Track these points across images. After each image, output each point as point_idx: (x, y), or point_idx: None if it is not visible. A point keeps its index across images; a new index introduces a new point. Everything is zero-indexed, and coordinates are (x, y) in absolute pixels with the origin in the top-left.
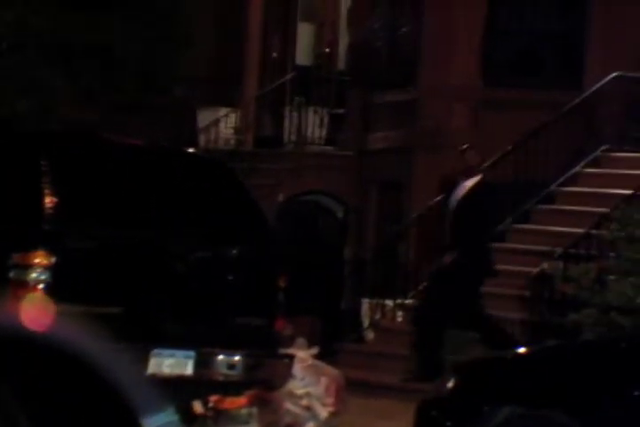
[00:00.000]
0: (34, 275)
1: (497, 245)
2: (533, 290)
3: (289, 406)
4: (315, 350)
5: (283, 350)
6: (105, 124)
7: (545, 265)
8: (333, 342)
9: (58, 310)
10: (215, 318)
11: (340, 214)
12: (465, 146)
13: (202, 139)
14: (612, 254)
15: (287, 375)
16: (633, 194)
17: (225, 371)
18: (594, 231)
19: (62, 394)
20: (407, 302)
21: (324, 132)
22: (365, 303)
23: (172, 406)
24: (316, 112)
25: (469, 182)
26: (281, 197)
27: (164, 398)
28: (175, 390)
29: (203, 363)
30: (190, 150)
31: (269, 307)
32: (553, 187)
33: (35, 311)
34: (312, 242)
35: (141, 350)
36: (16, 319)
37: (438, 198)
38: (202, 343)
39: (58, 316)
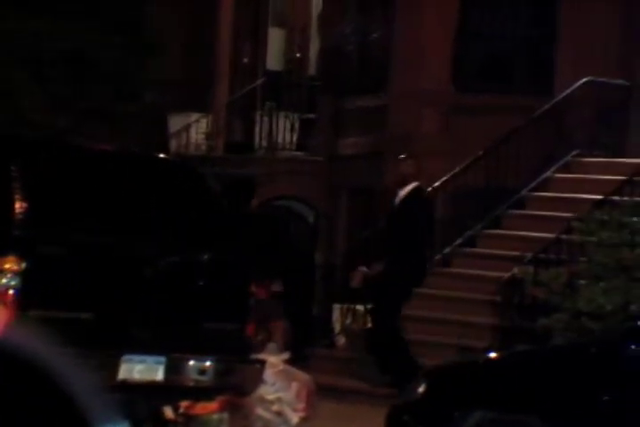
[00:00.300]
0: (4, 280)
1: (468, 250)
2: (504, 295)
3: (260, 411)
4: (286, 356)
5: (254, 356)
6: (75, 130)
7: (515, 270)
8: (305, 348)
9: (13, 316)
10: (186, 324)
11: (311, 220)
12: (403, 155)
13: (173, 144)
14: (582, 259)
15: (258, 381)
16: (603, 199)
17: (196, 376)
18: (564, 236)
19: (13, 399)
20: None
21: (294, 138)
22: (336, 309)
23: (126, 419)
24: (286, 117)
25: (403, 192)
26: (252, 203)
27: (119, 409)
28: (146, 396)
29: (173, 368)
30: (161, 155)
31: (240, 313)
32: (524, 192)
33: None
34: (284, 247)
35: (112, 355)
36: None
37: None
38: (172, 349)
39: (11, 321)
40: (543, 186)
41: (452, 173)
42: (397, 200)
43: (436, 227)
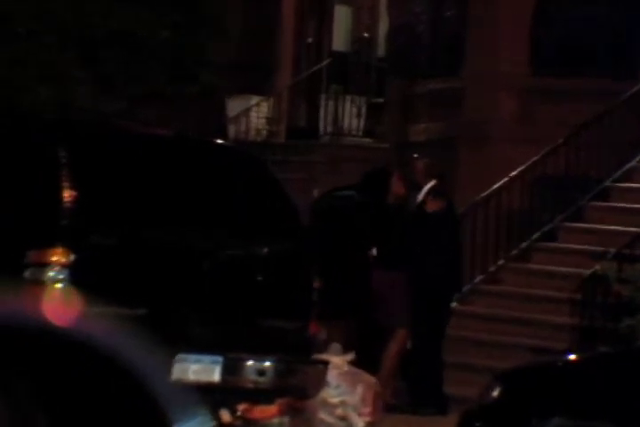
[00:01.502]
0: (51, 274)
1: (547, 244)
2: (585, 293)
3: (323, 415)
4: (350, 356)
5: (317, 356)
6: (130, 115)
7: (598, 266)
8: (372, 348)
9: (85, 307)
10: (244, 321)
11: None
12: (416, 155)
13: (231, 129)
14: None
15: (321, 383)
16: None
17: (254, 378)
18: None
19: (87, 393)
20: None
21: (361, 123)
22: None
23: (207, 412)
24: (353, 101)
25: (423, 192)
26: (316, 193)
27: (199, 403)
28: (201, 398)
29: (231, 369)
30: (219, 141)
31: (303, 309)
32: (607, 182)
33: (58, 305)
34: (349, 239)
35: (165, 354)
36: (38, 313)
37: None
38: (230, 348)
39: (85, 311)
40: (628, 176)
41: (530, 161)
42: (419, 201)
43: (513, 220)
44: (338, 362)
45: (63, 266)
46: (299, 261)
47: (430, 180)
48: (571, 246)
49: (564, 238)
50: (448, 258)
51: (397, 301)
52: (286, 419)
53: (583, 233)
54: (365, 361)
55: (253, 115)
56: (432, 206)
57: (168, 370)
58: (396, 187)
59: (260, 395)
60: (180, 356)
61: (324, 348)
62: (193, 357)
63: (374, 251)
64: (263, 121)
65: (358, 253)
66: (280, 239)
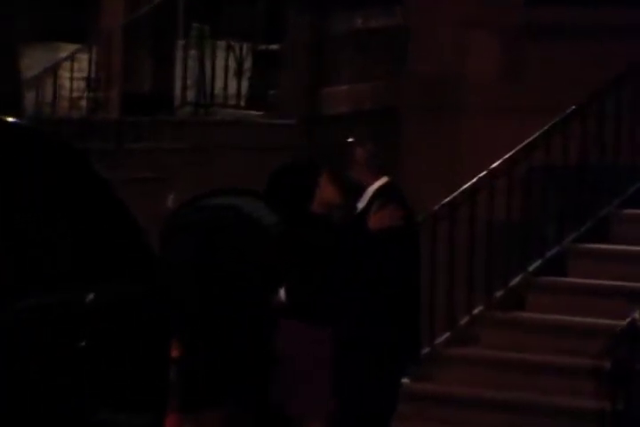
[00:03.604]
0: None
1: (551, 279)
2: (618, 358)
3: None
4: None
5: None
6: None
7: (637, 314)
8: None
9: None
10: (58, 416)
11: (273, 230)
12: (351, 139)
13: (30, 98)
14: None
15: None
16: None
17: None
18: None
19: None
20: None
21: (244, 86)
22: None
23: None
24: (230, 49)
25: (368, 195)
26: (171, 202)
27: None
28: None
29: None
30: (9, 120)
31: (153, 394)
32: None
33: None
34: (227, 279)
35: None
36: None
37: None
38: None
39: None
40: None
41: (524, 142)
42: (359, 211)
43: (495, 240)
44: None
45: None
46: (143, 314)
47: (377, 176)
48: (590, 282)
49: (578, 269)
50: (403, 304)
51: (318, 375)
52: None
53: (610, 260)
54: None
55: (65, 74)
56: (391, 219)
57: None
58: (327, 192)
59: None
60: None
61: None
62: None
63: (281, 294)
64: (82, 84)
65: (250, 300)
66: (111, 279)
